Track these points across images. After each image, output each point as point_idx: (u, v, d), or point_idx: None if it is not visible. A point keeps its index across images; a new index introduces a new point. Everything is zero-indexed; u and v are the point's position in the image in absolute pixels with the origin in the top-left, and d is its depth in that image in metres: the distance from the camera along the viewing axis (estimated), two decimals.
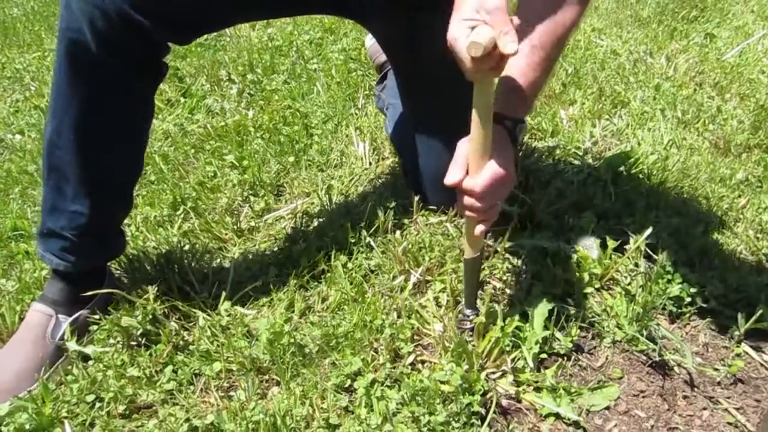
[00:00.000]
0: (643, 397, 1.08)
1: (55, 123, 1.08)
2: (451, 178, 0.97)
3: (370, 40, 2.09)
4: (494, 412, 1.01)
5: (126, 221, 1.40)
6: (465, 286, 1.13)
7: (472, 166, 0.95)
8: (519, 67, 0.99)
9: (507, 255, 1.30)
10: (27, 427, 1.01)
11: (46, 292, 1.19)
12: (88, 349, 1.14)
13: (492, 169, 0.94)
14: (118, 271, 1.32)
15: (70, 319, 1.17)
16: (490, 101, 0.89)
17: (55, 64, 1.05)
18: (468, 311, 1.13)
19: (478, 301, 1.13)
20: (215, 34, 2.68)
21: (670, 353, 1.12)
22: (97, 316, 1.19)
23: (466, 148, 0.95)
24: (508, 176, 0.97)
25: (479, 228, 1.01)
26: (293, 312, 1.22)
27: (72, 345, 1.13)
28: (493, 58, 0.80)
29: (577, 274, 1.25)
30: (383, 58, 1.95)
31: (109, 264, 1.28)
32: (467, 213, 1.00)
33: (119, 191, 1.20)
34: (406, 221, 1.41)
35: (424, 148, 1.41)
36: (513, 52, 0.78)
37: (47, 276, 1.33)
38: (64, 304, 1.18)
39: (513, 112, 1.01)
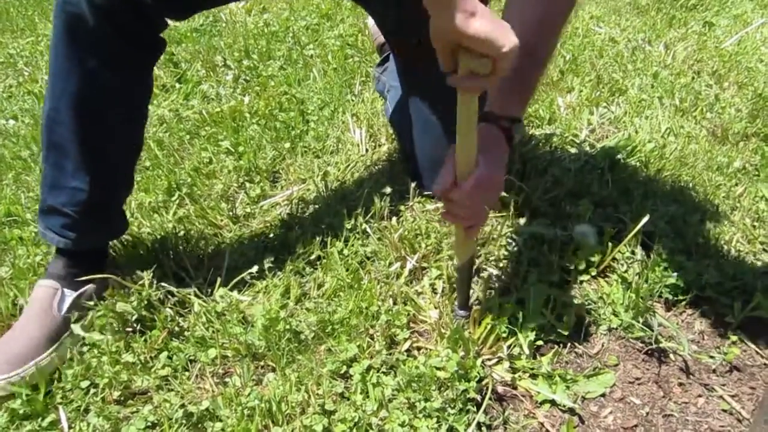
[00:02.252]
0: (639, 384, 1.08)
1: (54, 99, 1.07)
2: (438, 186, 0.97)
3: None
4: (490, 399, 1.01)
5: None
6: (457, 287, 1.14)
7: (459, 172, 0.95)
8: (513, 65, 0.98)
9: (504, 242, 1.30)
10: (21, 412, 1.01)
11: (50, 269, 1.19)
12: (96, 336, 1.13)
13: (477, 176, 0.93)
14: (114, 256, 1.32)
15: (75, 294, 1.17)
16: (475, 107, 0.88)
17: (53, 40, 1.04)
18: (461, 311, 1.14)
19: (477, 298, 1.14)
20: (211, 19, 2.66)
21: (666, 341, 1.12)
22: (95, 300, 1.18)
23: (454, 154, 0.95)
24: (494, 182, 0.96)
25: (470, 232, 1.02)
26: (289, 298, 1.21)
27: (77, 329, 1.13)
28: None
29: (574, 261, 1.25)
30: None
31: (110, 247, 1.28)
32: (453, 219, 1.00)
33: (119, 168, 1.20)
34: (402, 208, 1.40)
35: (419, 134, 1.40)
36: None
37: (41, 262, 1.33)
38: (68, 279, 1.18)
39: (509, 110, 1.00)
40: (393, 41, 1.42)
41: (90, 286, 1.19)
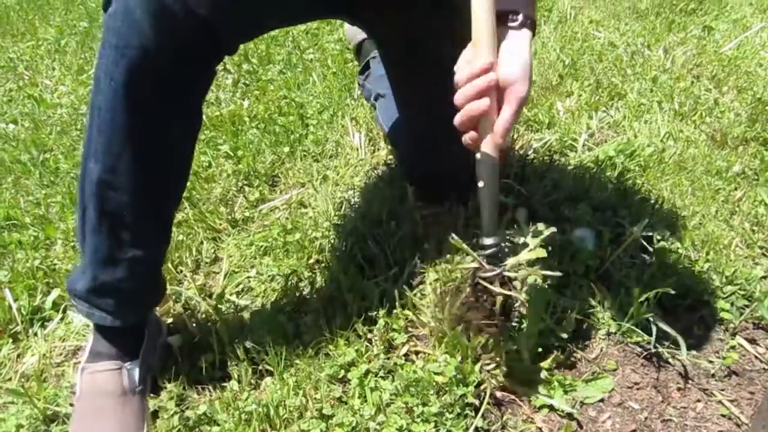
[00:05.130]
0: (638, 389, 1.08)
1: (109, 160, 0.92)
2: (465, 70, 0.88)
3: None
4: (488, 404, 1.01)
5: None
6: (481, 206, 0.92)
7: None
8: None
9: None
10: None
11: (97, 349, 1.06)
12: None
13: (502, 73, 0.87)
14: None
15: (139, 360, 1.06)
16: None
17: (105, 91, 0.89)
18: (489, 240, 0.93)
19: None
20: None
21: (664, 345, 1.12)
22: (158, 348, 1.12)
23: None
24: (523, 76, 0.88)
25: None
26: (287, 302, 1.21)
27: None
28: None
29: (573, 265, 1.24)
30: (360, 37, 1.94)
31: None
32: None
33: (171, 221, 1.07)
34: (401, 212, 1.40)
35: (416, 150, 1.39)
36: None
37: (39, 266, 1.33)
38: (124, 354, 1.06)
39: (515, 5, 0.91)
40: (394, 63, 1.35)
41: (147, 340, 1.08)
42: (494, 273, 0.93)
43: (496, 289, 0.94)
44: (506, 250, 0.95)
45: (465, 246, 0.96)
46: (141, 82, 0.88)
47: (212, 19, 0.88)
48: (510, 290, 0.94)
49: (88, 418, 1.00)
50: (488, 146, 0.89)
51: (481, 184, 0.91)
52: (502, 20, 0.89)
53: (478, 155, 0.90)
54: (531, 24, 0.91)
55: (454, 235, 0.98)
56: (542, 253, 0.90)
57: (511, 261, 0.94)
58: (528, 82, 0.87)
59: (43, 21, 3.01)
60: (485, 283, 0.94)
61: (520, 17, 0.89)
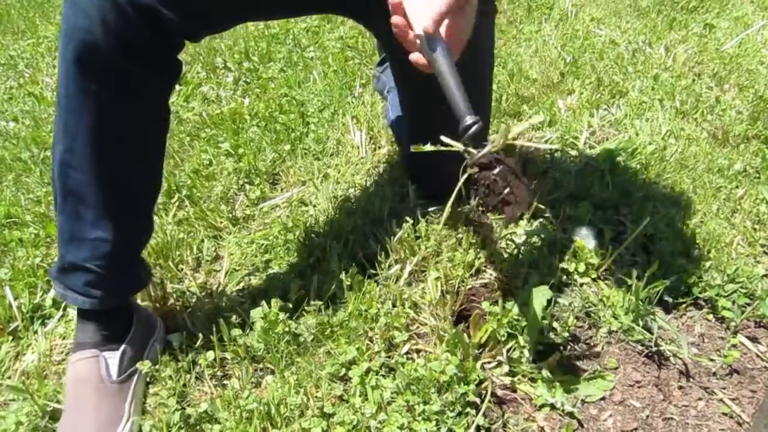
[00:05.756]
0: (639, 387, 1.08)
1: (67, 140, 0.96)
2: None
3: None
4: (489, 402, 1.01)
5: None
6: (444, 89, 0.84)
7: None
8: None
9: (504, 244, 1.30)
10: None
11: (80, 339, 1.06)
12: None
13: None
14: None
15: (119, 351, 1.06)
16: None
17: (61, 73, 0.93)
18: (468, 119, 0.83)
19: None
20: None
21: (666, 343, 1.12)
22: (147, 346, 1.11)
23: None
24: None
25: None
26: (288, 300, 1.21)
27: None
28: None
29: (574, 264, 1.24)
30: None
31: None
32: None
33: (141, 210, 1.09)
34: (401, 210, 1.40)
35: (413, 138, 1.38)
36: None
37: (41, 264, 1.33)
38: (104, 343, 1.06)
39: None
40: (397, 60, 1.37)
41: (133, 332, 1.09)
42: (483, 152, 0.86)
43: (492, 172, 0.87)
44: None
45: (447, 140, 0.90)
46: (89, 65, 0.91)
47: (157, 9, 0.90)
48: (501, 166, 0.87)
49: (70, 409, 1.01)
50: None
51: (436, 66, 0.84)
52: None
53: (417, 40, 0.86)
54: None
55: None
56: (538, 117, 0.86)
57: (497, 136, 0.88)
58: None
59: (44, 19, 3.01)
60: (476, 170, 0.87)
61: None
